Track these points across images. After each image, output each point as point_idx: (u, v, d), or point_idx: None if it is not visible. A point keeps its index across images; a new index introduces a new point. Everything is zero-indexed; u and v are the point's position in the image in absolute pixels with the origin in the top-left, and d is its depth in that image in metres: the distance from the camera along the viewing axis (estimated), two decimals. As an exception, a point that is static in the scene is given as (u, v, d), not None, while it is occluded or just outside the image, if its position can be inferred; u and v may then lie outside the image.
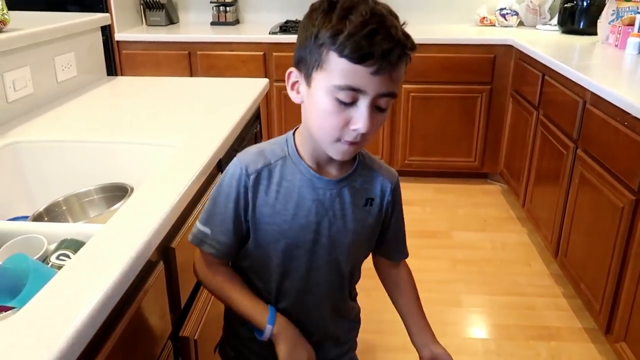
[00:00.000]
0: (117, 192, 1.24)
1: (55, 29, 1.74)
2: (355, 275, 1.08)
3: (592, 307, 2.00)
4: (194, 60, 3.29)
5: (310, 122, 0.88)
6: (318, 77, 0.82)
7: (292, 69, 0.88)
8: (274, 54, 3.22)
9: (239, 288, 0.98)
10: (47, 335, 0.66)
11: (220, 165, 1.42)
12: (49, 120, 1.57)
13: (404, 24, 0.83)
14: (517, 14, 3.51)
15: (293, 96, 0.90)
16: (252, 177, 0.91)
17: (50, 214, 1.21)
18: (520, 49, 2.93)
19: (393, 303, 1.14)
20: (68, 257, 0.92)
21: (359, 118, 0.81)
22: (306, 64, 0.84)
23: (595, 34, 2.99)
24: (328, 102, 0.82)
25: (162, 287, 1.01)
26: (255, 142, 1.92)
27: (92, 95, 1.85)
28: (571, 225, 2.21)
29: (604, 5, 2.89)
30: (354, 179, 0.96)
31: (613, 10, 2.81)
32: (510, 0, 3.54)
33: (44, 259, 0.94)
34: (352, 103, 0.81)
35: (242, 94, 1.83)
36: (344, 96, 0.80)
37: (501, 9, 3.53)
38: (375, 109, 0.82)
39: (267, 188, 0.92)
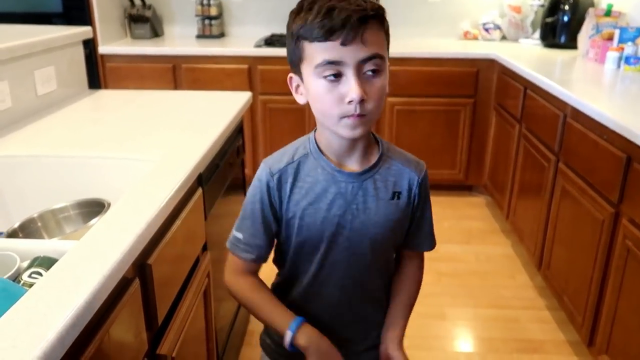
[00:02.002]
0: (93, 208, 1.23)
1: (35, 42, 1.73)
2: (385, 268, 1.10)
3: (575, 319, 2.01)
4: (178, 74, 3.28)
5: (316, 114, 0.94)
6: (304, 68, 0.90)
7: (290, 73, 0.95)
8: (259, 67, 3.23)
9: (266, 295, 1.03)
10: (13, 357, 0.64)
11: (200, 179, 1.41)
12: (27, 134, 1.56)
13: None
14: (499, 28, 3.56)
15: (298, 99, 0.96)
16: (275, 177, 0.97)
17: (24, 230, 1.18)
18: (503, 63, 2.96)
19: (391, 288, 1.12)
20: (40, 274, 0.90)
21: (349, 88, 0.86)
22: (294, 63, 0.92)
23: (576, 48, 3.03)
24: (319, 84, 0.88)
25: (137, 305, 0.99)
26: (237, 156, 1.92)
27: (73, 109, 1.84)
28: (553, 238, 2.22)
29: (584, 20, 2.94)
30: (377, 172, 0.99)
31: (593, 25, 2.86)
32: (493, 15, 3.58)
33: (16, 277, 0.92)
34: (340, 77, 0.86)
35: (225, 107, 1.83)
36: (328, 72, 0.86)
37: (484, 24, 3.57)
38: (365, 75, 0.87)
39: (292, 185, 0.97)
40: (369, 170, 0.98)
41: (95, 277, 0.81)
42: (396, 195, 1.00)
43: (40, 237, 1.21)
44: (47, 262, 0.93)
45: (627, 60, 2.51)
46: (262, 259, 1.04)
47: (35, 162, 1.39)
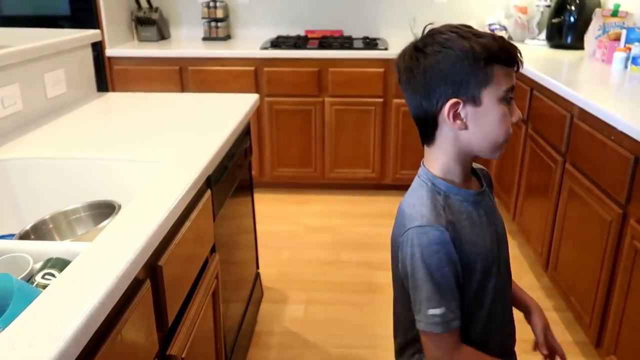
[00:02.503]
0: (104, 210, 1.24)
1: (45, 45, 1.74)
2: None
3: (583, 320, 2.01)
4: (185, 76, 3.30)
5: (480, 137, 0.94)
6: (488, 93, 0.91)
7: (454, 99, 0.91)
8: (265, 69, 3.24)
9: (484, 356, 1.00)
10: (30, 357, 0.66)
11: (209, 181, 1.42)
12: (38, 137, 1.57)
13: None
14: (505, 29, 3.55)
15: (457, 125, 0.93)
16: (450, 230, 0.92)
17: (37, 232, 1.20)
18: (509, 64, 2.95)
19: None
20: (53, 276, 0.91)
21: (515, 109, 0.95)
22: (469, 86, 0.91)
23: (583, 48, 3.03)
24: (501, 109, 0.92)
25: (148, 306, 1.00)
26: (245, 158, 1.93)
27: (82, 111, 1.85)
28: (561, 239, 2.22)
29: (591, 20, 2.94)
30: (484, 180, 1.06)
31: (599, 26, 2.85)
32: (499, 16, 3.58)
33: (29, 278, 0.93)
34: (510, 101, 0.94)
35: (232, 109, 1.84)
36: (510, 95, 0.93)
37: (490, 24, 3.57)
38: None
39: (461, 230, 0.95)
40: (481, 181, 1.05)
41: (109, 278, 0.82)
42: (492, 193, 1.08)
43: (52, 238, 1.23)
44: (60, 264, 0.94)
45: (635, 60, 2.51)
46: (460, 320, 0.96)
47: (46, 164, 1.40)
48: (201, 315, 1.32)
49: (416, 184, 1.00)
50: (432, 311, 0.92)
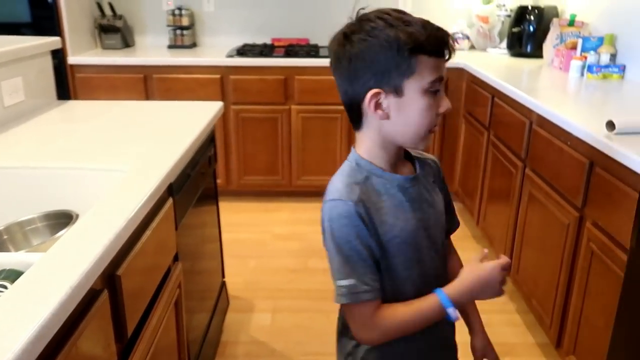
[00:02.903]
0: (62, 220, 1.21)
1: (2, 53, 1.71)
2: (445, 255, 1.13)
3: (544, 321, 2.05)
4: (150, 84, 3.26)
5: (401, 127, 0.94)
6: (411, 83, 0.90)
7: (375, 90, 0.91)
8: (232, 77, 3.23)
9: (403, 308, 0.96)
10: (-24, 371, 0.64)
11: (171, 189, 1.41)
12: (-7, 146, 1.53)
13: None
14: (468, 38, 3.63)
15: (378, 115, 0.93)
16: (361, 205, 0.93)
17: (-10, 243, 1.17)
18: (472, 72, 3.02)
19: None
20: (5, 287, 0.89)
21: (443, 100, 0.94)
22: (391, 77, 0.90)
23: (542, 57, 3.12)
24: (426, 99, 0.91)
25: (106, 316, 0.99)
26: (209, 166, 1.92)
27: (41, 120, 1.82)
28: (522, 243, 2.27)
29: (549, 30, 3.03)
30: (421, 169, 1.05)
31: (557, 35, 2.94)
32: (462, 25, 3.66)
33: (-19, 290, 0.91)
34: (437, 92, 0.93)
35: (196, 117, 1.83)
36: (436, 87, 0.92)
37: (453, 33, 3.64)
38: None
39: (378, 210, 0.95)
40: (415, 169, 1.04)
41: (62, 288, 0.81)
42: (435, 182, 1.08)
43: (6, 250, 1.19)
44: (13, 275, 0.92)
45: (590, 68, 2.59)
46: (379, 291, 0.95)
47: (2, 174, 1.36)
48: (163, 325, 1.30)
49: (344, 164, 1.01)
50: (340, 282, 0.93)
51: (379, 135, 0.96)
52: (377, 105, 0.92)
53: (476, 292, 0.97)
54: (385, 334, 0.97)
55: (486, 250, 1.03)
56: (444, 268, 1.10)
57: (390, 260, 0.97)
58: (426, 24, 0.90)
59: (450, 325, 1.10)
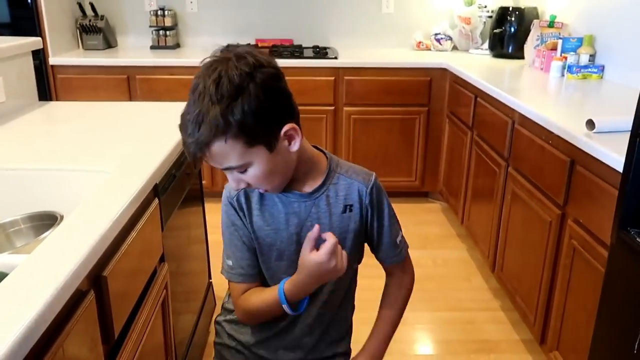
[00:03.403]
0: (46, 221, 1.20)
1: (-18, 53, 1.68)
2: (348, 282, 1.14)
3: (528, 318, 2.08)
4: (133, 85, 3.24)
5: None
6: None
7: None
8: (215, 77, 3.22)
9: (257, 295, 1.06)
10: (-39, 373, 0.63)
11: (156, 190, 1.40)
12: (-26, 147, 1.51)
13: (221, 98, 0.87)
14: (451, 38, 3.66)
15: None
16: (235, 199, 1.03)
17: (-27, 245, 1.15)
18: (455, 72, 3.05)
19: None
20: (-10, 289, 0.87)
21: (231, 181, 0.97)
22: None
23: (523, 57, 3.16)
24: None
25: (93, 317, 0.98)
26: (195, 167, 1.91)
27: (22, 121, 1.79)
28: (506, 241, 2.30)
29: (530, 31, 3.07)
30: (327, 189, 1.04)
31: (538, 36, 2.98)
32: (444, 26, 3.69)
33: (-36, 293, 0.89)
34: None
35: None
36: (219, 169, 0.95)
37: (436, 34, 3.67)
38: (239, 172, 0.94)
39: (254, 206, 1.04)
40: (318, 189, 1.03)
41: (48, 289, 0.80)
42: (348, 208, 1.05)
43: (-11, 252, 1.18)
44: (-3, 277, 0.90)
45: (570, 69, 2.64)
46: (254, 277, 1.07)
47: (-17, 176, 1.35)
48: (150, 326, 1.29)
49: None
50: (225, 260, 1.08)
51: None
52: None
53: (314, 283, 1.01)
54: (245, 315, 1.08)
55: (316, 226, 0.98)
56: (336, 288, 1.09)
57: (261, 257, 1.06)
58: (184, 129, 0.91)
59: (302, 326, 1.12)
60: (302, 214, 1.03)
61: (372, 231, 1.10)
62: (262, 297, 1.05)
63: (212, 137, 0.87)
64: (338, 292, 1.12)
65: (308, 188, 1.03)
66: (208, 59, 0.93)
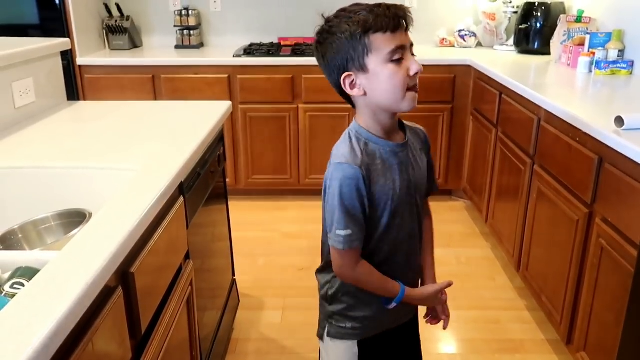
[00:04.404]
0: (75, 218, 1.23)
1: (13, 54, 1.72)
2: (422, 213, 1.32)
3: (554, 318, 2.05)
4: (158, 84, 3.28)
5: (379, 97, 1.11)
6: (371, 59, 1.07)
7: (346, 73, 1.10)
8: (239, 76, 3.25)
9: (378, 275, 1.19)
10: (-3, 366, 0.65)
11: (182, 188, 1.42)
12: (6, 146, 1.55)
13: None
14: (475, 35, 3.63)
15: (355, 92, 1.12)
16: (364, 169, 1.11)
17: (5, 242, 1.18)
18: (479, 69, 3.02)
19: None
20: (22, 285, 0.90)
21: (413, 63, 1.09)
22: (354, 59, 1.08)
23: (549, 53, 3.11)
24: (389, 68, 1.07)
25: (121, 313, 1.00)
26: (219, 165, 1.93)
27: (52, 120, 1.83)
28: (531, 239, 2.27)
29: (556, 26, 3.02)
30: (408, 138, 1.21)
31: (564, 31, 2.93)
32: (468, 22, 3.65)
33: (-2, 288, 0.92)
34: (401, 60, 1.07)
35: (205, 116, 1.84)
36: (397, 56, 1.07)
37: (460, 31, 3.64)
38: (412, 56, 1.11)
39: (372, 172, 1.13)
40: (405, 138, 1.20)
41: (78, 285, 0.82)
42: (421, 149, 1.26)
43: (21, 248, 1.21)
44: (29, 273, 0.93)
45: (598, 64, 2.58)
46: (362, 242, 1.18)
47: (15, 174, 1.38)
48: (175, 322, 1.31)
49: (345, 133, 1.18)
50: (339, 232, 1.12)
51: (368, 109, 1.14)
52: (352, 85, 1.11)
53: (423, 303, 1.33)
54: (356, 280, 1.20)
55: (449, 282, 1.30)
56: (418, 228, 1.27)
57: (375, 214, 1.15)
58: (375, 8, 1.06)
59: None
60: (405, 161, 1.18)
61: (429, 167, 1.29)
62: (381, 280, 1.20)
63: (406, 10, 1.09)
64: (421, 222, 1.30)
65: (399, 139, 1.19)
66: None
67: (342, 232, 1.12)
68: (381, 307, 1.25)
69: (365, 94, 1.11)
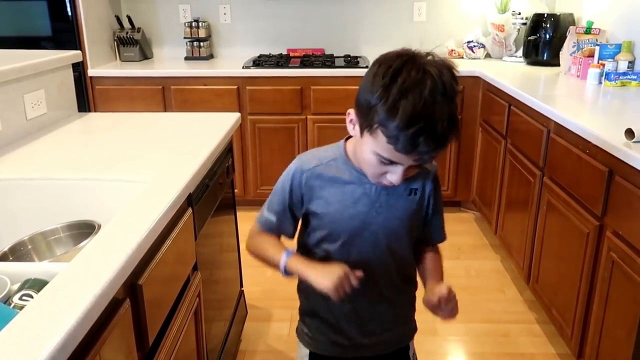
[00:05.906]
0: (84, 230, 1.23)
1: (25, 66, 1.75)
2: (407, 258, 1.21)
3: (564, 332, 2.03)
4: (167, 95, 3.31)
5: (359, 156, 1.05)
6: (367, 137, 0.97)
7: (351, 110, 1.02)
8: (248, 87, 3.26)
9: (271, 242, 1.17)
10: (5, 378, 0.65)
11: (190, 199, 1.43)
12: (17, 157, 1.57)
13: (456, 92, 0.98)
14: (483, 46, 3.63)
15: (350, 129, 1.05)
16: (305, 175, 1.11)
17: (15, 253, 1.19)
18: (488, 80, 3.02)
19: (419, 273, 1.25)
20: (31, 296, 0.91)
21: (394, 175, 1.00)
22: (360, 117, 0.98)
23: (558, 65, 3.10)
24: (372, 158, 0.99)
25: (128, 325, 1.00)
26: (227, 176, 1.94)
27: (63, 132, 1.85)
28: (541, 252, 2.25)
29: (566, 37, 3.01)
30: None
31: (574, 43, 2.93)
32: (477, 34, 3.66)
33: (7, 299, 0.93)
34: (388, 163, 0.98)
35: (214, 128, 1.85)
36: (384, 160, 0.97)
37: (468, 42, 3.64)
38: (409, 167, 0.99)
39: (322, 183, 1.11)
40: None
41: (87, 297, 0.82)
42: (413, 192, 1.14)
43: (30, 259, 1.22)
44: (38, 284, 0.93)
45: (608, 76, 2.57)
46: (274, 232, 1.18)
47: (25, 185, 1.39)
48: (183, 334, 1.31)
49: (331, 145, 1.15)
50: (266, 212, 1.18)
51: (354, 145, 1.08)
52: (352, 123, 1.03)
53: (311, 275, 1.07)
54: (250, 249, 1.20)
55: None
56: (389, 267, 1.17)
57: (311, 229, 1.15)
58: (423, 114, 0.89)
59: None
60: (372, 196, 1.10)
61: (428, 212, 1.18)
62: (268, 251, 1.16)
63: (450, 142, 0.96)
64: (394, 266, 1.20)
65: None
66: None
67: (265, 213, 1.18)
68: (330, 317, 1.21)
69: (355, 136, 1.05)
